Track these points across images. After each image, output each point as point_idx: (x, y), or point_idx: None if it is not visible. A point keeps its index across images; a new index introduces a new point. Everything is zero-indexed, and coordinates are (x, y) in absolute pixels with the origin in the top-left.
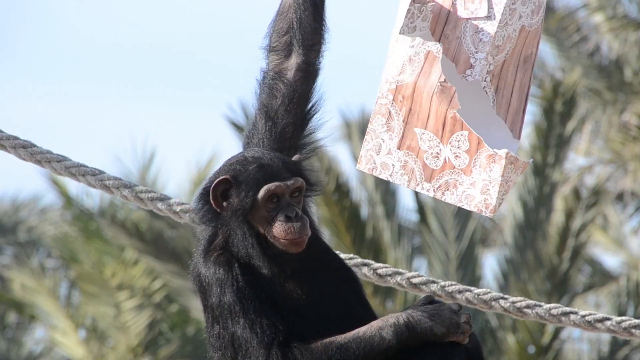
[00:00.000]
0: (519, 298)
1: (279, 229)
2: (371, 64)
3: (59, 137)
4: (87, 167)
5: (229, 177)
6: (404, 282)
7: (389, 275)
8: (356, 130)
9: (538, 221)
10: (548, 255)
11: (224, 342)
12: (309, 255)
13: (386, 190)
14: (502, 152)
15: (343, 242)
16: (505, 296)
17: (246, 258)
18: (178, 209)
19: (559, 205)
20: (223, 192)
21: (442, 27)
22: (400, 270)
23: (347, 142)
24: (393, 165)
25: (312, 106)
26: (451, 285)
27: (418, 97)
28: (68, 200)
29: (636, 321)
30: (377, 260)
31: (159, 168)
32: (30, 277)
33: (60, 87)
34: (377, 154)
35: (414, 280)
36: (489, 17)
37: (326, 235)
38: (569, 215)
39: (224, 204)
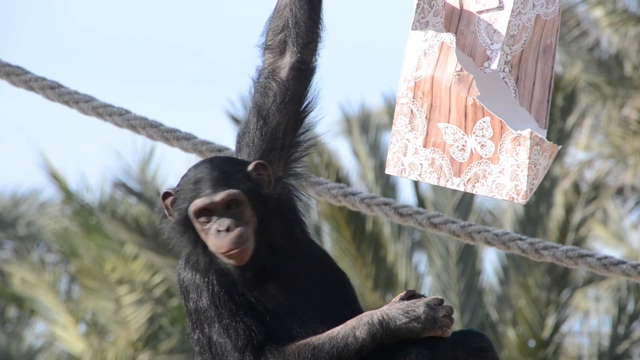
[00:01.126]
0: (536, 239)
1: (211, 242)
2: (372, 58)
3: (60, 131)
4: (113, 106)
5: (172, 191)
6: (424, 220)
7: (410, 214)
8: (356, 124)
9: (538, 215)
10: None
11: (203, 347)
12: (290, 257)
13: (386, 185)
14: (526, 132)
15: (343, 237)
16: (523, 237)
17: (220, 264)
18: (203, 148)
19: (559, 199)
20: (172, 204)
21: (457, 23)
22: (421, 209)
23: (347, 137)
24: (421, 164)
25: (307, 105)
26: (470, 225)
27: (437, 91)
28: (68, 195)
29: None
30: (376, 255)
31: (159, 162)
32: (30, 272)
33: (61, 81)
34: (404, 155)
35: (434, 220)
36: (500, 7)
37: (326, 229)
38: (569, 209)
39: (174, 217)
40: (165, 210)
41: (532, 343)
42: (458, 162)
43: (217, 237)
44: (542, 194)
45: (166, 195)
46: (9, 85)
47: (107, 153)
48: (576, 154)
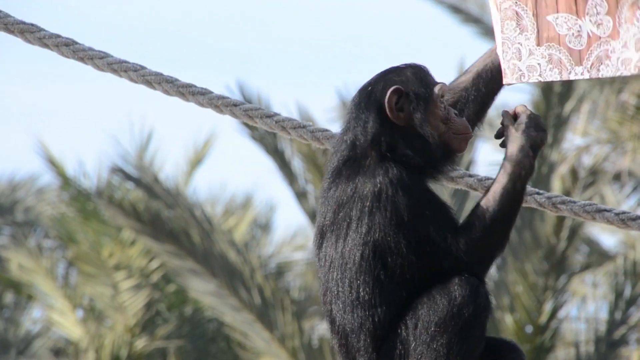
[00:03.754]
0: (554, 194)
1: (460, 124)
2: (371, 43)
3: (57, 118)
4: (129, 62)
5: (399, 86)
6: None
7: None
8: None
9: None
10: (546, 235)
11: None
12: None
13: None
14: None
15: None
16: (541, 191)
17: (414, 167)
18: (219, 102)
19: (556, 185)
20: (395, 102)
21: None
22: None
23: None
24: (539, 64)
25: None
26: (487, 179)
27: None
28: (65, 181)
29: None
30: None
31: (157, 149)
32: (28, 257)
33: (58, 67)
34: (520, 60)
35: (452, 174)
36: None
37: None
38: (567, 195)
39: (400, 114)
40: (390, 112)
41: (529, 329)
42: (577, 50)
43: (461, 119)
44: (539, 180)
45: (393, 93)
46: (6, 70)
47: (104, 139)
48: (574, 139)
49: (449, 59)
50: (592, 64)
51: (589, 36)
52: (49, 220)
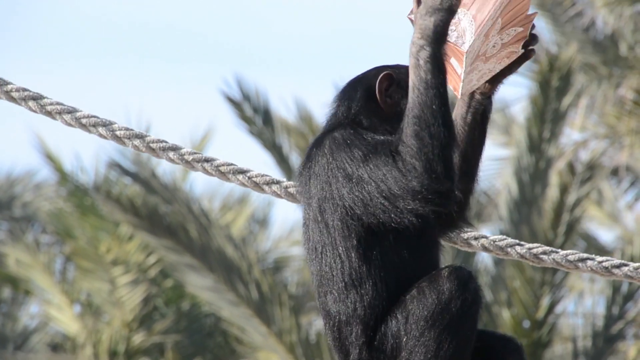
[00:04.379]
0: (535, 245)
1: None
2: (369, 38)
3: None
4: (98, 117)
5: (392, 73)
6: None
7: None
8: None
9: (533, 196)
10: (543, 230)
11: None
12: None
13: None
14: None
15: None
16: (522, 243)
17: None
18: (190, 158)
19: (554, 180)
20: (385, 88)
21: None
22: None
23: None
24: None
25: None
26: (468, 232)
27: None
28: (63, 176)
29: None
30: None
31: None
32: (25, 253)
33: (55, 60)
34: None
35: None
36: None
37: None
38: (564, 190)
39: (387, 100)
40: (379, 94)
41: (526, 324)
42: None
43: None
44: (537, 175)
45: (384, 78)
46: (2, 64)
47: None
48: (571, 134)
49: None
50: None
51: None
52: (47, 215)
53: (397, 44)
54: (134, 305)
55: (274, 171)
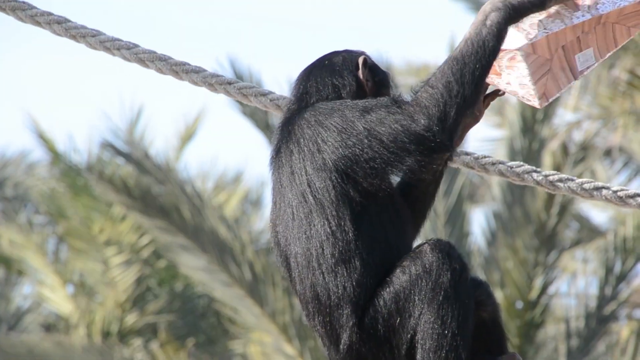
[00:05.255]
0: (551, 172)
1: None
2: (363, 18)
3: (48, 93)
4: (121, 40)
5: (365, 57)
6: None
7: None
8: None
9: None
10: (536, 211)
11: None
12: None
13: None
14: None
15: None
16: (539, 170)
17: None
18: (213, 80)
19: (547, 160)
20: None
21: None
22: None
23: None
24: (540, 20)
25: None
26: (484, 157)
27: None
28: (56, 156)
29: (632, 191)
30: None
31: (147, 124)
32: (18, 233)
33: (48, 44)
34: (522, 22)
35: None
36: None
37: None
38: (557, 170)
39: (368, 83)
40: (362, 75)
41: (519, 304)
42: None
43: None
44: (530, 155)
45: (365, 61)
46: None
47: (94, 114)
48: (564, 115)
49: (439, 34)
50: (589, 7)
51: None
52: (40, 195)
53: (390, 23)
54: (127, 285)
55: (266, 152)
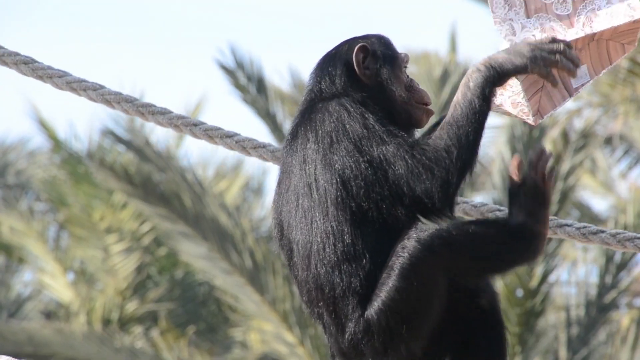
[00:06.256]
0: (552, 217)
1: (420, 93)
2: (361, 10)
3: None
4: (87, 81)
5: (366, 44)
6: None
7: None
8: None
9: (527, 164)
10: None
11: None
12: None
13: None
14: None
15: None
16: (501, 208)
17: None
18: (179, 122)
19: (547, 148)
20: (362, 60)
21: None
22: None
23: None
24: (533, 35)
25: None
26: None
27: None
28: (57, 143)
29: (630, 234)
30: None
31: None
32: (19, 220)
33: (48, 31)
34: (515, 35)
35: None
36: None
37: None
38: (558, 158)
39: (366, 72)
40: (357, 67)
41: (520, 293)
42: (565, 15)
43: (422, 89)
44: (531, 143)
45: (360, 50)
46: None
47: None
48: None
49: (441, 24)
50: (584, 24)
51: (573, 0)
52: (40, 183)
53: (391, 12)
54: (127, 273)
55: (267, 139)
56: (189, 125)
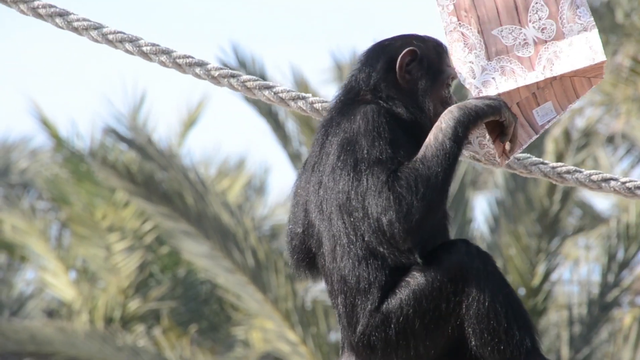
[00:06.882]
0: (559, 164)
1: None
2: (364, 4)
3: (50, 79)
4: (124, 33)
5: (417, 49)
6: None
7: None
8: (347, 72)
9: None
10: (539, 198)
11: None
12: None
13: None
14: None
15: None
16: (546, 162)
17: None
18: (216, 73)
19: (549, 147)
20: (407, 64)
21: None
22: None
23: (339, 84)
24: (493, 78)
25: None
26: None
27: (479, 1)
28: (59, 142)
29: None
30: None
31: (150, 109)
32: (21, 219)
33: (50, 29)
34: (474, 78)
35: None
36: None
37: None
38: (560, 157)
39: (406, 76)
40: (398, 69)
41: (522, 291)
42: (526, 58)
43: None
44: (532, 142)
45: (407, 54)
46: None
47: (97, 99)
48: None
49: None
50: (544, 67)
51: (535, 42)
52: (43, 181)
53: (396, 8)
54: (129, 272)
55: (270, 138)
56: (226, 77)
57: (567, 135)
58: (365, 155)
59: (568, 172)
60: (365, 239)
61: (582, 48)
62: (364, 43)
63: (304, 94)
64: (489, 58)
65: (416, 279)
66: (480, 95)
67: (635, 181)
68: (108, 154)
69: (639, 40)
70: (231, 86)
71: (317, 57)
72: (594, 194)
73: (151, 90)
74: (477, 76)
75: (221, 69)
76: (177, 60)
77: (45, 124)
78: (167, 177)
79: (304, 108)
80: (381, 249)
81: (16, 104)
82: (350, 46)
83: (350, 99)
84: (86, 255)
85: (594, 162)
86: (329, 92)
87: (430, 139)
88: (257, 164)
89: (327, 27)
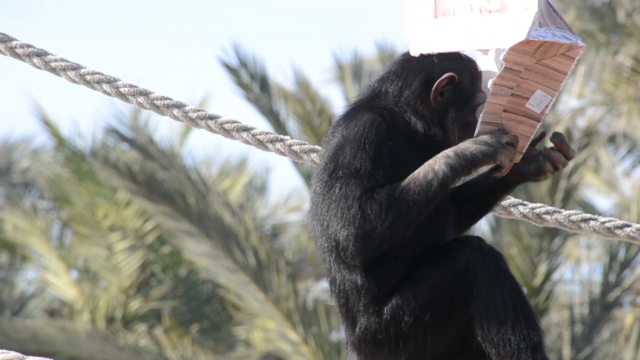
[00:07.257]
0: (538, 204)
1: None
2: (365, 5)
3: (52, 78)
4: (102, 74)
5: (455, 76)
6: None
7: None
8: (349, 72)
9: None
10: (540, 197)
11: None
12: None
13: None
14: None
15: None
16: (525, 203)
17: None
18: (194, 115)
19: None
20: (442, 86)
21: None
22: None
23: (340, 84)
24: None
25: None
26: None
27: None
28: (60, 142)
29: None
30: None
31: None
32: (23, 218)
33: (51, 26)
34: (420, 35)
35: None
36: None
37: None
38: None
39: (439, 97)
40: (433, 92)
41: (523, 291)
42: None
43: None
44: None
45: (446, 79)
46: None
47: (98, 99)
48: (569, 101)
49: None
50: (488, 37)
51: (480, 10)
52: (44, 181)
53: (393, 12)
54: (131, 271)
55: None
56: (204, 118)
57: (568, 134)
58: (346, 163)
59: (547, 212)
60: (320, 241)
61: (514, 26)
62: (365, 43)
63: (282, 137)
64: (435, 17)
65: (429, 273)
66: (425, 50)
67: (614, 221)
68: (109, 154)
69: None
70: (209, 128)
71: (318, 57)
72: (595, 193)
73: (152, 88)
74: (424, 33)
75: (199, 110)
76: (155, 102)
77: (47, 124)
78: (168, 177)
79: (282, 150)
80: (327, 256)
81: (18, 103)
82: (351, 46)
83: (365, 104)
84: (87, 255)
85: (596, 161)
86: (330, 91)
87: (419, 172)
88: (259, 163)
89: (328, 27)
